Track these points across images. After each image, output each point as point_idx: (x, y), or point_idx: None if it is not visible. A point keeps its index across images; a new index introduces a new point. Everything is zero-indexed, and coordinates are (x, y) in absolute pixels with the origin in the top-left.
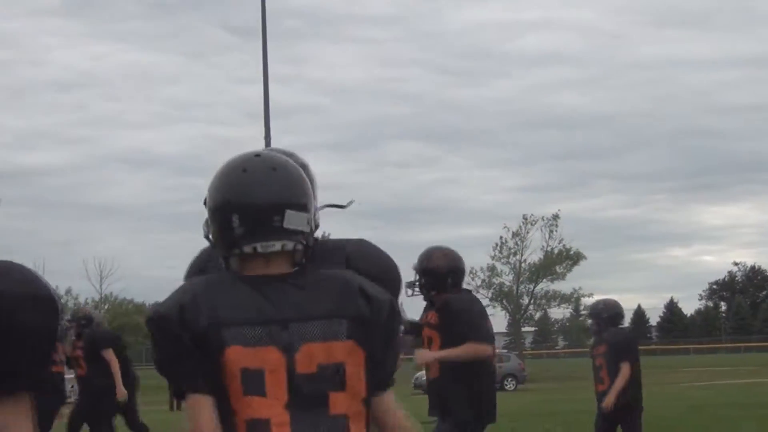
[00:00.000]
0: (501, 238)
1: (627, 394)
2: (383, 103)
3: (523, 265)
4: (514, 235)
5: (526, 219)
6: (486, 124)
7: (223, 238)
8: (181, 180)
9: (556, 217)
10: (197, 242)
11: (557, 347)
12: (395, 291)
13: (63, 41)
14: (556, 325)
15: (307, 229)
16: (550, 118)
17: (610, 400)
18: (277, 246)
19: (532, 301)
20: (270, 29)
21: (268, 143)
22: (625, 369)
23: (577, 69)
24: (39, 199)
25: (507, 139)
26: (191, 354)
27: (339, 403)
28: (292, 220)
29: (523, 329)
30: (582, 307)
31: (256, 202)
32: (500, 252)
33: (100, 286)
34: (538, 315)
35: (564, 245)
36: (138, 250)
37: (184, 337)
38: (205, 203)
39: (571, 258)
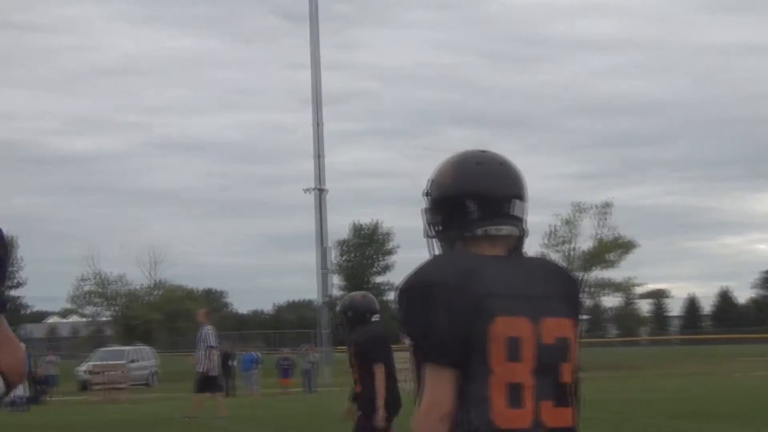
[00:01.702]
0: (552, 225)
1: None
2: (435, 88)
3: (574, 253)
4: (566, 222)
5: (577, 206)
6: (538, 109)
7: (458, 222)
8: (232, 166)
9: (608, 204)
10: (247, 228)
11: (609, 336)
12: None
13: (116, 27)
14: (609, 314)
15: (525, 218)
16: (602, 103)
17: (380, 414)
18: (505, 230)
19: (584, 289)
20: (321, 14)
21: (318, 129)
22: (377, 369)
23: (631, 54)
24: (92, 185)
25: (559, 125)
26: (455, 322)
27: (566, 372)
28: (518, 208)
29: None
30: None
31: (492, 191)
32: (552, 240)
33: (152, 272)
34: (590, 303)
35: (616, 233)
36: (189, 236)
37: (457, 304)
38: (426, 194)
39: (623, 246)
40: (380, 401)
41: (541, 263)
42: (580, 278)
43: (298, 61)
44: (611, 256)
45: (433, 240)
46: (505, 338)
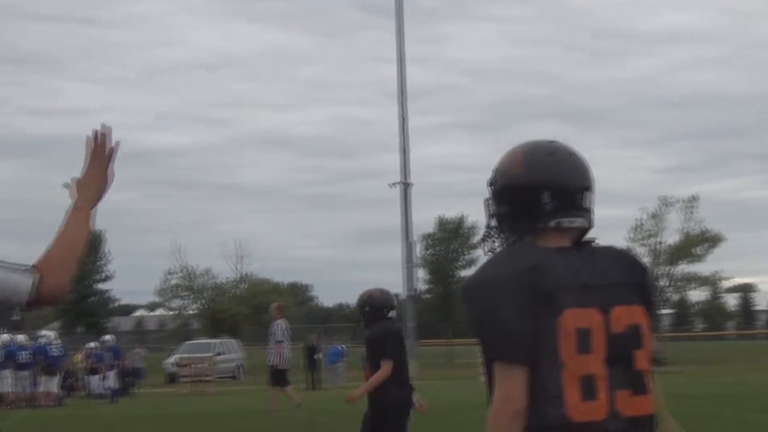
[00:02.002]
0: (638, 219)
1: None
2: (519, 82)
3: (660, 247)
4: (652, 216)
5: (664, 200)
6: (623, 103)
7: (529, 214)
8: (316, 161)
9: (694, 198)
10: (332, 222)
11: (696, 330)
12: None
13: (201, 22)
14: (695, 308)
15: (593, 209)
16: (688, 96)
17: (355, 394)
18: (578, 222)
19: (670, 284)
20: (406, 8)
21: (404, 124)
22: (384, 365)
23: (716, 46)
24: (177, 179)
25: (644, 118)
26: (523, 317)
27: (640, 359)
28: (589, 200)
29: (661, 311)
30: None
31: (566, 182)
32: (637, 234)
33: (238, 265)
34: (676, 297)
35: (703, 227)
36: (274, 230)
37: (524, 299)
38: (490, 185)
39: (709, 240)
40: (365, 388)
41: (609, 251)
42: (645, 264)
43: (382, 55)
44: (698, 250)
45: (493, 231)
46: (574, 330)
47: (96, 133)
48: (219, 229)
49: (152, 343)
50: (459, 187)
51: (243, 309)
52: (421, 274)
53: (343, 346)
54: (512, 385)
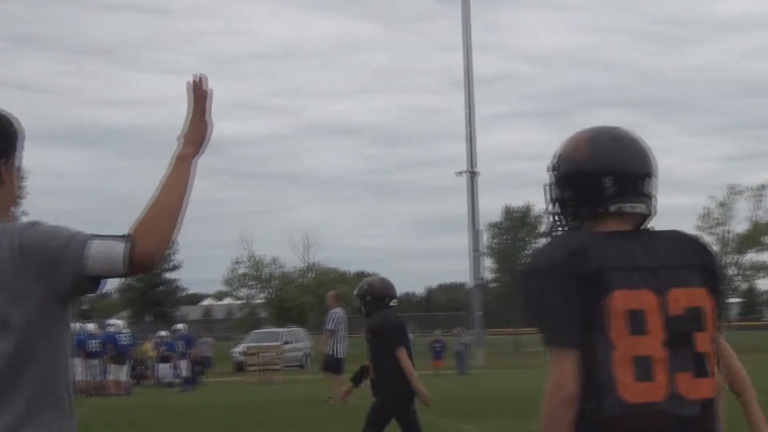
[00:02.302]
0: (707, 208)
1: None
2: (585, 70)
3: (729, 235)
4: (720, 205)
5: (732, 189)
6: (691, 90)
7: (591, 198)
8: (382, 149)
9: (764, 186)
10: (398, 210)
11: (764, 319)
12: None
13: (266, 11)
14: (764, 297)
15: (655, 196)
16: (758, 84)
17: (423, 393)
18: (639, 208)
19: (738, 272)
20: None
21: (470, 112)
22: (400, 353)
23: None
24: (244, 169)
25: (713, 106)
26: (570, 301)
27: (701, 341)
28: (651, 186)
29: (729, 300)
30: None
31: (629, 168)
32: (706, 222)
33: (305, 255)
34: (744, 286)
35: None
36: (340, 219)
37: (569, 283)
38: (552, 169)
39: None
40: (414, 381)
41: (672, 235)
42: (711, 247)
43: (448, 43)
44: (766, 239)
45: (554, 216)
46: (625, 312)
47: (197, 78)
48: (286, 218)
49: (220, 332)
50: (525, 176)
51: (310, 298)
52: (487, 263)
53: (410, 335)
54: (563, 370)
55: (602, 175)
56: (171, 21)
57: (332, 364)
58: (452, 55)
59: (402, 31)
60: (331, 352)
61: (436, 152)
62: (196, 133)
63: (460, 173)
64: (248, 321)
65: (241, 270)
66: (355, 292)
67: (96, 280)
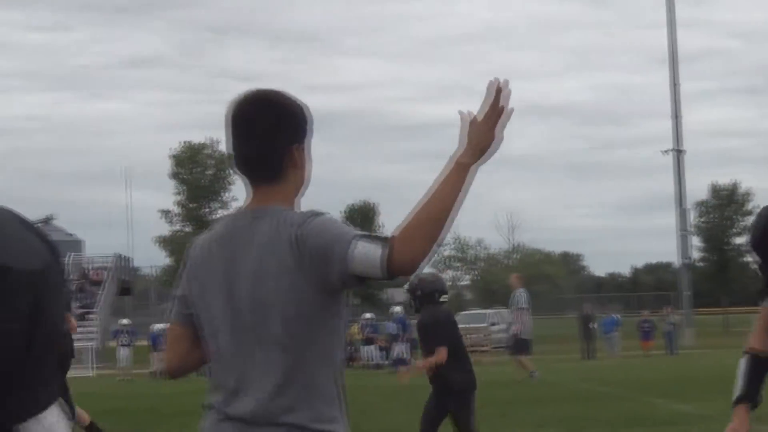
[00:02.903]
0: None
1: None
2: None
3: None
4: None
5: None
6: None
7: None
8: (584, 129)
9: None
10: (602, 190)
11: None
12: None
13: None
14: None
15: None
16: None
17: (406, 374)
18: None
19: None
20: None
21: (675, 89)
22: (439, 351)
23: None
24: (448, 151)
25: None
26: None
27: None
28: None
29: None
30: None
31: None
32: None
33: (510, 236)
34: None
35: None
36: (544, 199)
37: None
38: None
39: None
40: (425, 364)
41: None
42: None
43: (651, 20)
44: None
45: None
46: None
47: (498, 82)
48: (490, 200)
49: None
50: (732, 153)
51: None
52: (695, 242)
53: (618, 315)
54: None
55: None
56: (375, 4)
57: (519, 345)
58: (654, 32)
59: (602, 9)
60: (516, 332)
61: (639, 131)
62: (483, 141)
63: (666, 152)
64: (454, 303)
65: (446, 252)
66: (405, 287)
67: (361, 278)
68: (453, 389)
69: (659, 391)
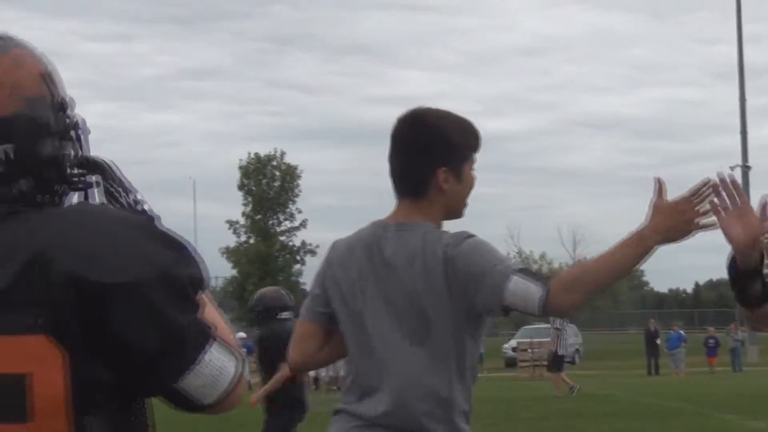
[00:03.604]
0: None
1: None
2: None
3: None
4: None
5: None
6: None
7: None
8: (646, 143)
9: None
10: None
11: None
12: None
13: (528, 6)
14: None
15: None
16: None
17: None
18: None
19: None
20: None
21: (743, 104)
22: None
23: None
24: (508, 164)
25: None
26: None
27: None
28: None
29: None
30: None
31: None
32: None
33: (573, 250)
34: None
35: None
36: (605, 214)
37: None
38: None
39: None
40: (267, 389)
41: None
42: None
43: (710, 35)
44: None
45: None
46: None
47: (712, 181)
48: (552, 214)
49: (489, 327)
50: None
51: None
52: None
53: (682, 331)
54: None
55: None
56: (434, 17)
57: (555, 362)
58: (715, 47)
59: (663, 24)
60: (554, 349)
61: (700, 146)
62: (673, 227)
63: (733, 168)
64: (518, 317)
65: None
66: (249, 303)
67: (507, 308)
68: (292, 407)
69: (730, 407)
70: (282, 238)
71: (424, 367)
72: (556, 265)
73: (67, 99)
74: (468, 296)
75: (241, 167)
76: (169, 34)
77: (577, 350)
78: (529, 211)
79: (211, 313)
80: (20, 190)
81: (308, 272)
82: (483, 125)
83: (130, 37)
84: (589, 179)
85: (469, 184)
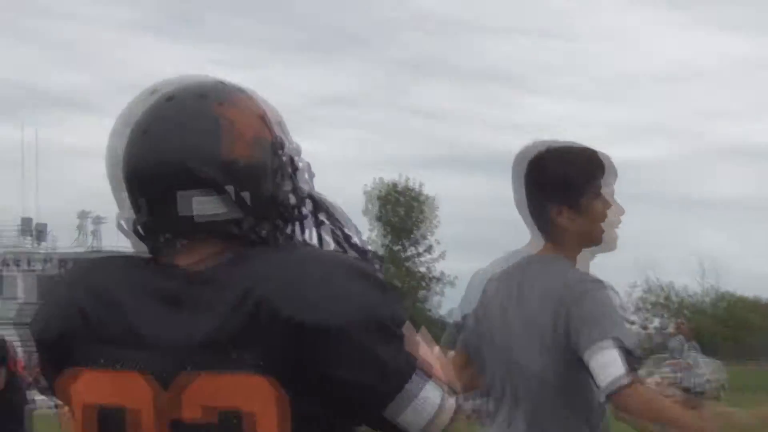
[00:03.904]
0: None
1: None
2: None
3: None
4: None
5: None
6: None
7: None
8: None
9: None
10: None
11: None
12: None
13: (665, 31)
14: None
15: None
16: None
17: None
18: None
19: None
20: None
21: None
22: None
23: None
24: (641, 192)
25: None
26: None
27: None
28: None
29: None
30: None
31: None
32: None
33: (709, 282)
34: None
35: None
36: (745, 244)
37: None
38: None
39: None
40: None
41: None
42: None
43: None
44: None
45: None
46: None
47: None
48: (684, 242)
49: None
50: None
51: (720, 328)
52: None
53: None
54: None
55: None
56: (563, 43)
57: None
58: None
59: None
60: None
61: None
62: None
63: None
64: (657, 349)
65: (637, 294)
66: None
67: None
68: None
69: None
70: (407, 264)
71: (533, 416)
72: (690, 297)
73: (280, 138)
74: (570, 348)
75: (366, 192)
76: (300, 61)
77: (723, 386)
78: (662, 240)
79: (418, 346)
80: (245, 228)
81: (438, 302)
82: (612, 152)
83: (260, 65)
84: (727, 208)
85: (593, 215)
